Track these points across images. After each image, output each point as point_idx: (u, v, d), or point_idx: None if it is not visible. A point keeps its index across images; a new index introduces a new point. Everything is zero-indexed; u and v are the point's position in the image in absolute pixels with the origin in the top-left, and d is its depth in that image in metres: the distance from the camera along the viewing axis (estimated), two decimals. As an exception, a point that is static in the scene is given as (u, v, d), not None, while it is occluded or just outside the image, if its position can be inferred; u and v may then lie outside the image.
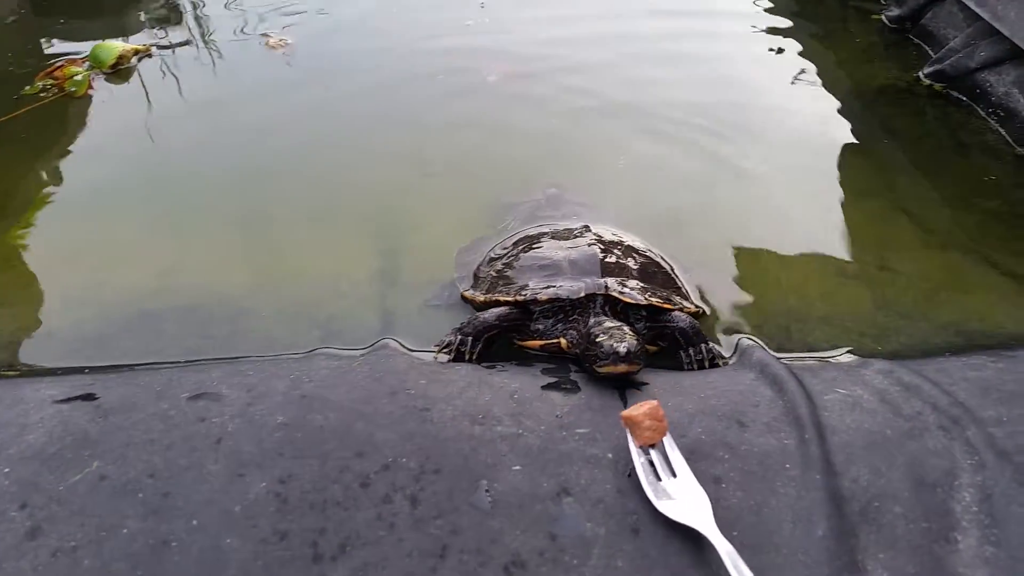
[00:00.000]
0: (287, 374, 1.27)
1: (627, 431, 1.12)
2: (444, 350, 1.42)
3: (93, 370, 1.41)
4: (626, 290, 1.39)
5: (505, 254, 1.62)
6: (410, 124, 2.29)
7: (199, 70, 2.61)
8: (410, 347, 1.45)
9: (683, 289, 1.55)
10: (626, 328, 1.31)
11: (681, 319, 1.40)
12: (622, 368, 1.24)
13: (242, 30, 2.89)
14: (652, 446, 1.10)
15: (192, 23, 2.96)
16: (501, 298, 1.44)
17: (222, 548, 0.99)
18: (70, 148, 2.16)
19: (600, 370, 1.26)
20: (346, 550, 0.98)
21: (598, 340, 1.27)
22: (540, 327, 1.42)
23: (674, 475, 1.07)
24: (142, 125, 2.27)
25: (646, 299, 1.39)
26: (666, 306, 1.40)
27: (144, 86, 2.48)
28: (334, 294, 1.62)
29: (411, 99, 2.41)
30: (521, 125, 2.26)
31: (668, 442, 1.11)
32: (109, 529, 1.01)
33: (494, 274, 1.55)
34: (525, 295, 1.42)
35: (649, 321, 1.42)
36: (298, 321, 1.55)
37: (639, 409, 1.11)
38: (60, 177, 2.04)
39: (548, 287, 1.42)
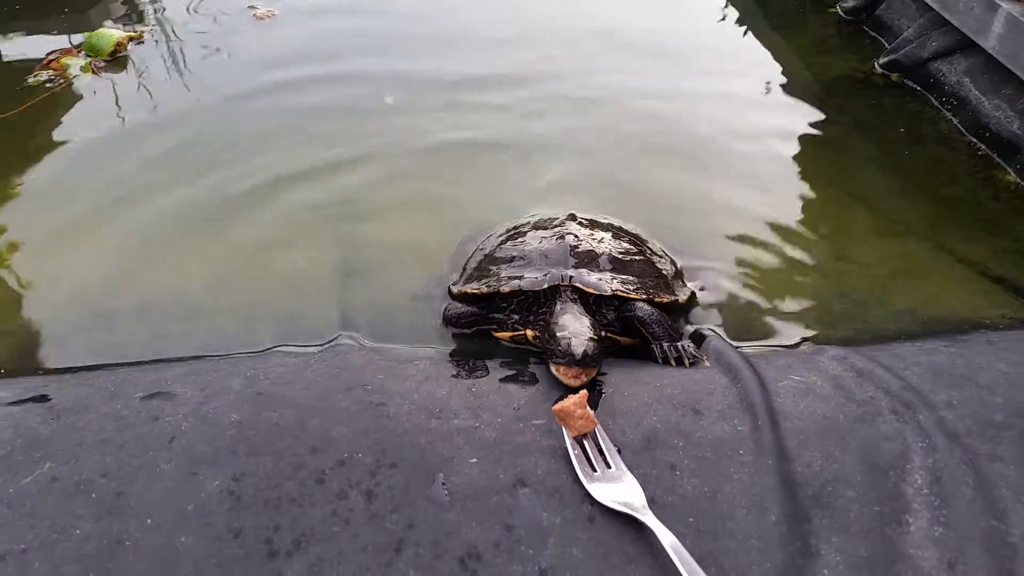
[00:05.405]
0: (242, 372, 1.27)
1: (561, 424, 1.12)
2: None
3: (47, 371, 1.40)
4: (591, 279, 1.37)
5: (490, 246, 1.62)
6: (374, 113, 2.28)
7: (184, 56, 2.60)
8: (369, 343, 1.44)
9: (667, 278, 1.51)
10: (587, 322, 1.27)
11: (639, 307, 1.37)
12: (575, 374, 1.21)
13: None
14: (585, 436, 1.11)
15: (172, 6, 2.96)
16: (470, 290, 1.46)
17: (176, 547, 0.98)
18: (39, 144, 2.12)
19: (554, 369, 1.24)
20: (301, 546, 0.98)
21: (557, 335, 1.24)
22: (515, 318, 1.42)
23: (608, 466, 1.08)
24: (113, 120, 2.24)
25: (611, 289, 1.36)
26: (632, 295, 1.37)
27: (114, 83, 2.45)
28: (293, 292, 1.61)
29: (380, 85, 2.41)
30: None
31: (599, 432, 1.12)
32: (61, 530, 1.00)
33: (475, 266, 1.57)
34: (490, 287, 1.42)
35: (619, 311, 1.39)
36: (256, 319, 1.53)
37: (569, 401, 1.12)
38: (25, 173, 2.01)
39: (512, 279, 1.41)
